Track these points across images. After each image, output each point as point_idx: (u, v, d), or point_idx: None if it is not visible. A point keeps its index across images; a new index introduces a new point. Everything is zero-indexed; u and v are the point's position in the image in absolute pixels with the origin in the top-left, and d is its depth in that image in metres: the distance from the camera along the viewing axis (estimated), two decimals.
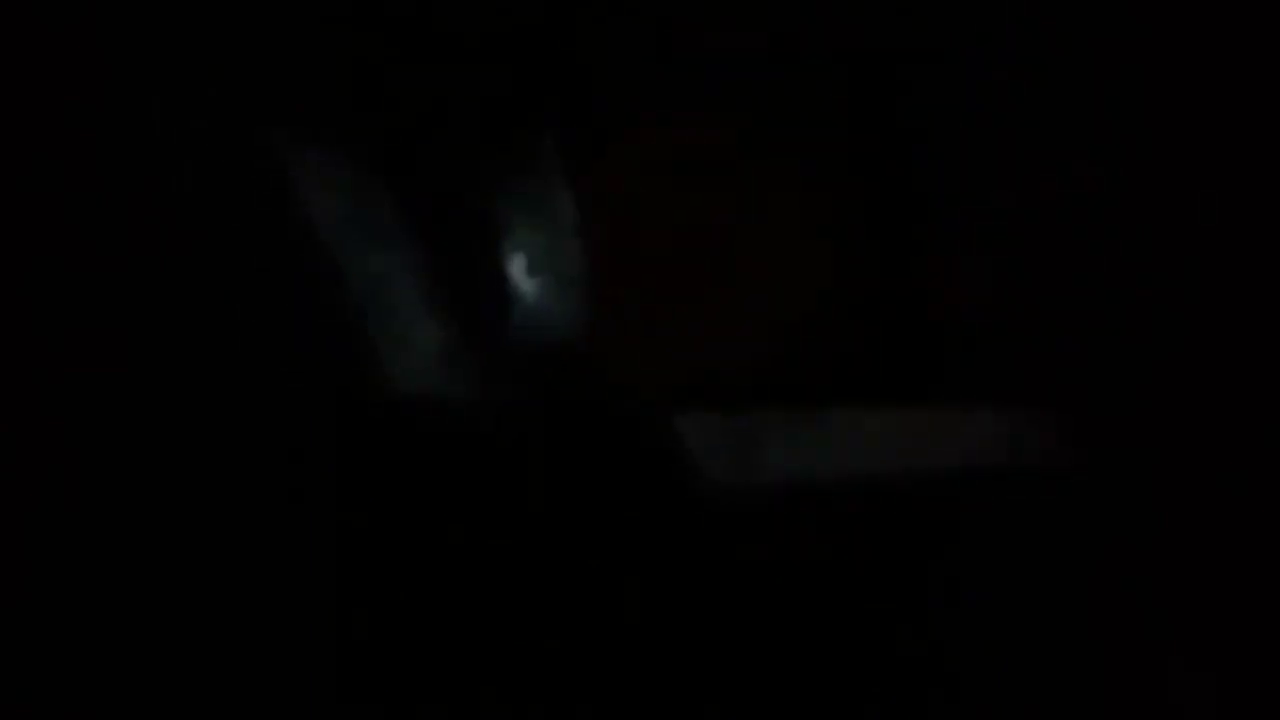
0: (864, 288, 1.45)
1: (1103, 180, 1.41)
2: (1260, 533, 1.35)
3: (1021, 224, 1.43)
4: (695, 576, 1.38)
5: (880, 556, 1.39)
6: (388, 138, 1.37)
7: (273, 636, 1.32)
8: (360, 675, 1.33)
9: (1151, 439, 1.39)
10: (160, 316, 1.34)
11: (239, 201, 1.34)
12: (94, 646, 1.30)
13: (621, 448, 1.41)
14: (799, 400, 1.43)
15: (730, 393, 1.44)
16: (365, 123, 1.36)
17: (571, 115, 1.40)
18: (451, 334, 1.40)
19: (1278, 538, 1.34)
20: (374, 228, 1.37)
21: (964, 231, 1.44)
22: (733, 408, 1.43)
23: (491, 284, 1.40)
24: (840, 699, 1.35)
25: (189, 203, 1.33)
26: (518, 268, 1.40)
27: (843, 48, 1.40)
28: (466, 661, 1.34)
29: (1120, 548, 1.38)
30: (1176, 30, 1.36)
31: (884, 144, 1.44)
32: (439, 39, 1.36)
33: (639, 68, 1.41)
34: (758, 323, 1.45)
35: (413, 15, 1.35)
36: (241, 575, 1.33)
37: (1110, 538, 1.38)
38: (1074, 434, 1.40)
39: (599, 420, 1.42)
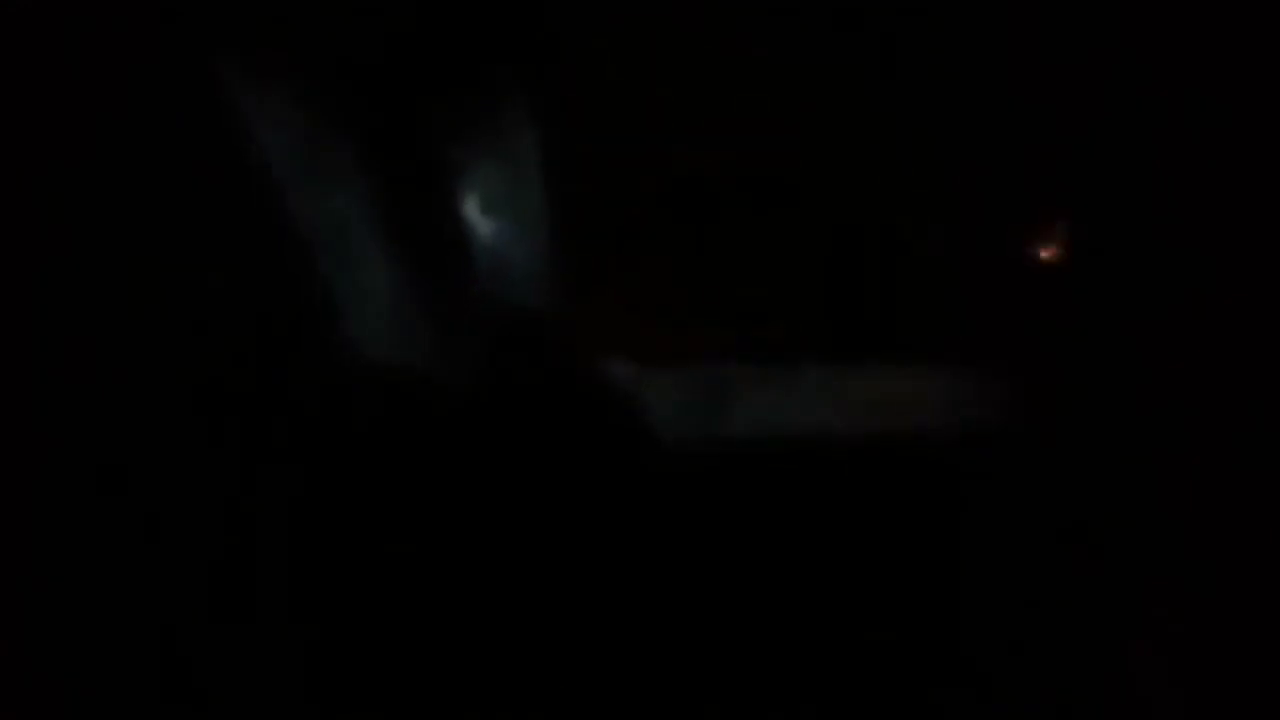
0: (837, 243, 1.44)
1: (1072, 143, 1.41)
2: (1230, 504, 1.34)
3: (992, 185, 1.43)
4: (661, 531, 1.37)
5: (848, 514, 1.38)
6: (343, 74, 1.35)
7: (225, 596, 1.32)
8: (318, 636, 1.32)
9: (1123, 401, 1.38)
10: (106, 262, 1.33)
11: (188, 139, 1.32)
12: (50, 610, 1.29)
13: (584, 400, 1.41)
14: (768, 356, 1.42)
15: (699, 347, 1.43)
16: (320, 58, 1.34)
17: (535, 52, 1.38)
18: (407, 276, 1.38)
19: (1247, 512, 1.34)
20: (328, 167, 1.35)
21: (936, 192, 1.43)
22: (702, 362, 1.42)
23: (448, 224, 1.39)
24: (804, 653, 1.35)
25: (136, 142, 1.31)
26: (475, 208, 1.39)
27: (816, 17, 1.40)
28: (431, 627, 1.34)
29: (1087, 511, 1.38)
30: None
31: (859, 104, 1.43)
32: None
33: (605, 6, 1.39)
34: (727, 277, 1.43)
35: None
36: (195, 537, 1.32)
37: (1077, 500, 1.38)
38: (1045, 396, 1.40)
39: (559, 371, 1.41)
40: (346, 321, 1.37)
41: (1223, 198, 1.36)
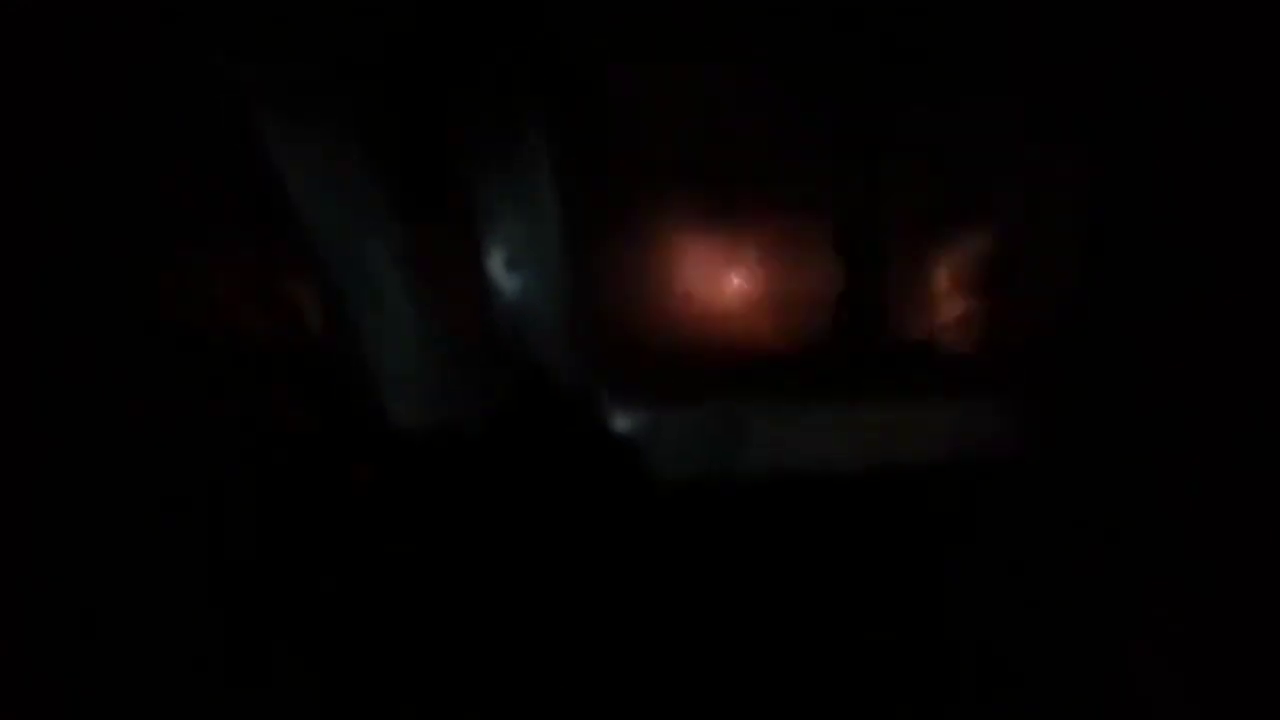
0: (847, 285, 1.47)
1: (1078, 180, 1.44)
2: (1228, 518, 1.38)
3: (1005, 230, 1.46)
4: (673, 568, 1.39)
5: (863, 547, 1.41)
6: (372, 132, 1.35)
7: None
8: (338, 684, 1.33)
9: (1132, 432, 1.41)
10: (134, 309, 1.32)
11: (225, 188, 1.31)
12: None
13: (601, 445, 1.42)
14: (782, 395, 1.45)
15: (714, 387, 1.44)
16: (352, 118, 1.34)
17: (557, 108, 1.39)
18: (433, 328, 1.38)
19: (1245, 524, 1.37)
20: (358, 222, 1.35)
21: (945, 228, 1.47)
22: (716, 402, 1.44)
23: (472, 277, 1.39)
24: (815, 679, 1.37)
25: (174, 188, 1.30)
26: (498, 262, 1.39)
27: (824, 54, 1.41)
28: (457, 668, 1.35)
29: (1094, 537, 1.41)
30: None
31: (863, 146, 1.45)
32: (427, 30, 1.34)
33: (626, 62, 1.40)
34: (742, 319, 1.45)
35: (402, 6, 1.32)
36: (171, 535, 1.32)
37: (1085, 527, 1.41)
38: (1054, 428, 1.42)
39: (576, 417, 1.42)
40: (369, 374, 1.37)
41: (1224, 227, 1.39)
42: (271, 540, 1.34)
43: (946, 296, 1.46)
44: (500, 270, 1.39)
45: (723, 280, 1.46)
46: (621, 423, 1.42)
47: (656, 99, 1.40)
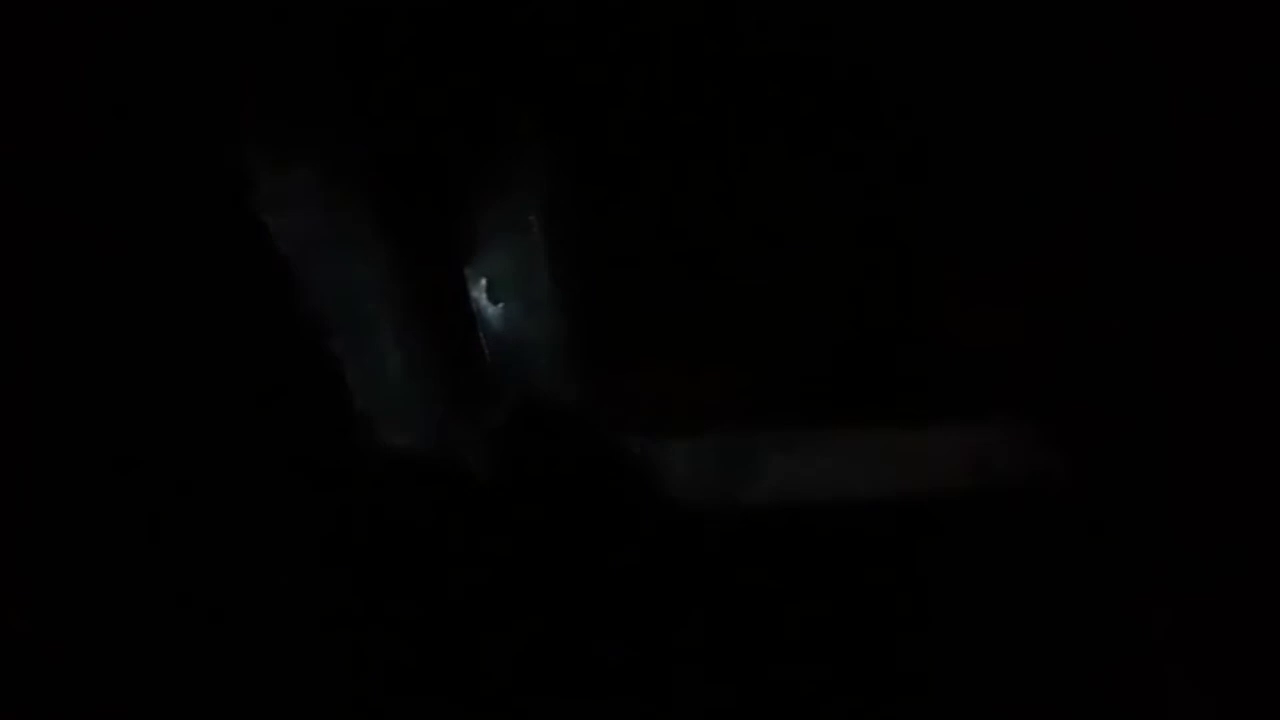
0: (858, 308, 1.46)
1: (1090, 198, 1.43)
2: (1248, 536, 1.37)
3: (1014, 247, 1.45)
4: (680, 598, 1.38)
5: (877, 575, 1.39)
6: (361, 160, 1.36)
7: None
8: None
9: (1145, 452, 1.40)
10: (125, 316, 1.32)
11: (212, 217, 1.32)
12: None
13: (603, 476, 1.41)
14: (794, 421, 1.43)
15: (725, 415, 1.43)
16: (339, 144, 1.34)
17: (548, 135, 1.39)
18: (422, 360, 1.39)
19: (1266, 542, 1.36)
20: (344, 250, 1.36)
21: (958, 254, 1.45)
22: (728, 429, 1.43)
23: (458, 307, 1.39)
24: (825, 707, 1.36)
25: (162, 213, 1.31)
26: (484, 292, 1.40)
27: (834, 57, 1.40)
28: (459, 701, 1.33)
29: (1112, 560, 1.39)
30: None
31: (876, 168, 1.44)
32: (415, 57, 1.35)
33: (619, 87, 1.40)
34: (751, 343, 1.44)
35: (390, 33, 1.33)
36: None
37: (1103, 551, 1.39)
38: (1070, 452, 1.41)
39: (578, 449, 1.41)
40: (362, 405, 1.37)
41: (1245, 242, 1.39)
42: (264, 565, 1.33)
43: (960, 319, 1.45)
44: (486, 299, 1.40)
45: (730, 305, 1.45)
46: (624, 451, 1.41)
47: (651, 126, 1.40)
